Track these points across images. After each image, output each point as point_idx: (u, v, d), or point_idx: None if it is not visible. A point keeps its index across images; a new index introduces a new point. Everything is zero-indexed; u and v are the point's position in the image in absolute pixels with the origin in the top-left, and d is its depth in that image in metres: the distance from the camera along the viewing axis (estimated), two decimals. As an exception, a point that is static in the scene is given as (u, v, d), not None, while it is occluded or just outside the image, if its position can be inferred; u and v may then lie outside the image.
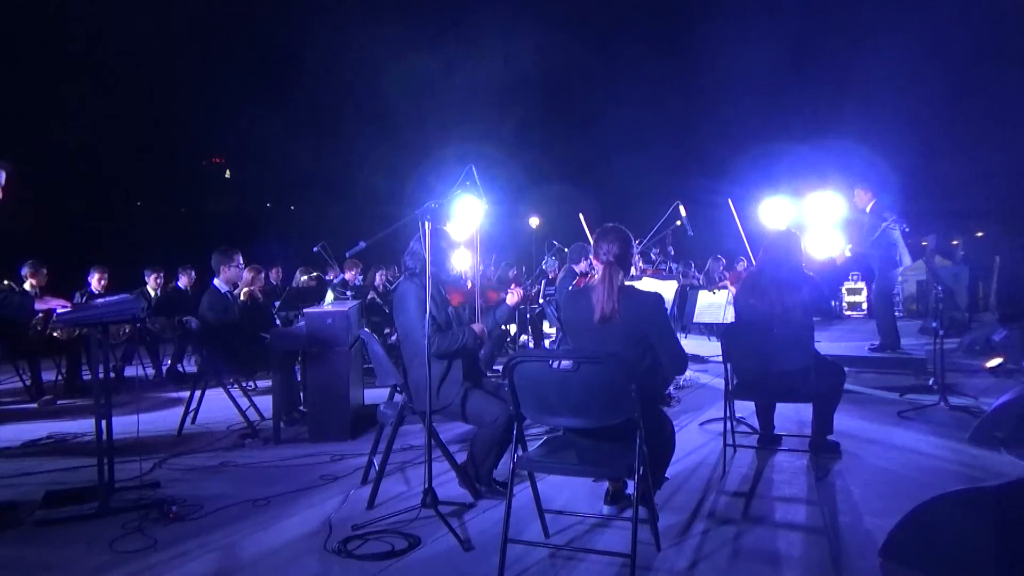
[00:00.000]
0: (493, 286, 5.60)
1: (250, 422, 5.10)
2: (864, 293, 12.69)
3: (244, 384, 5.94)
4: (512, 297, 3.91)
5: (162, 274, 8.40)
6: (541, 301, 8.53)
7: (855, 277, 12.77)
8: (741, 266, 12.29)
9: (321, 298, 6.97)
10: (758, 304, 4.00)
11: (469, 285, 4.06)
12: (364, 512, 3.40)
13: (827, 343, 7.77)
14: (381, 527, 3.17)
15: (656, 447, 3.09)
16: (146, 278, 8.28)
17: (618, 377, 2.56)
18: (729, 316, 5.89)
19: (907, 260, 7.17)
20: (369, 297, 8.15)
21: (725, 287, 6.29)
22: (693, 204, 6.66)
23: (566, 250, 7.95)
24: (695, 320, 6.72)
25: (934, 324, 5.87)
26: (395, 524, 3.21)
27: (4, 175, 3.49)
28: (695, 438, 4.62)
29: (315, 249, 9.06)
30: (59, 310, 3.41)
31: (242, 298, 5.95)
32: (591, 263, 6.11)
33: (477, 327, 3.64)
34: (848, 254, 6.99)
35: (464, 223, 4.19)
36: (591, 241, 3.53)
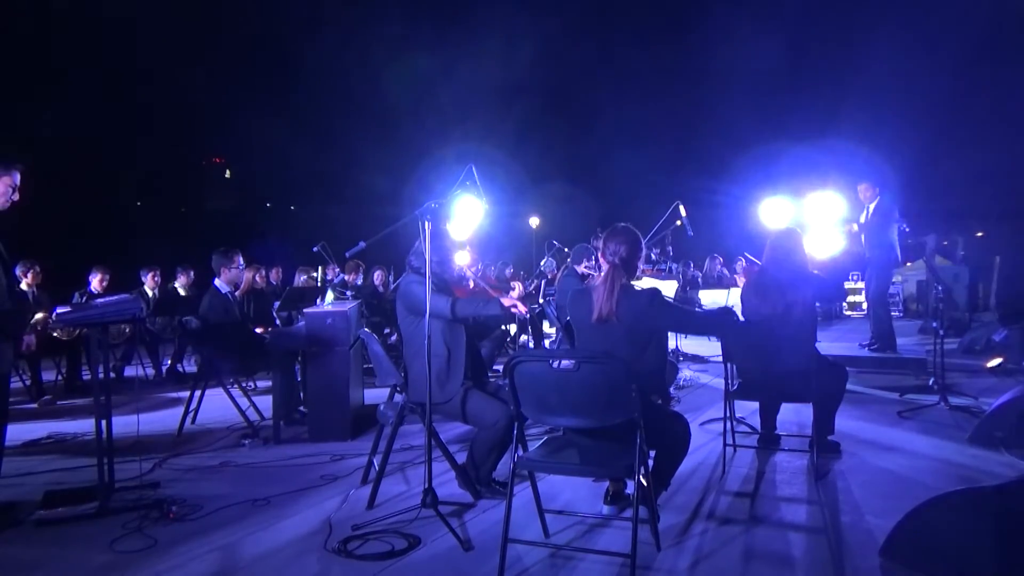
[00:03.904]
0: (495, 284, 5.61)
1: (250, 422, 5.09)
2: (864, 293, 12.70)
3: (244, 384, 5.94)
4: (514, 293, 3.89)
5: (159, 273, 8.39)
6: (541, 301, 8.52)
7: (855, 277, 12.77)
8: (740, 265, 12.30)
9: (321, 297, 6.98)
10: (760, 305, 4.00)
11: (472, 285, 4.07)
12: (364, 512, 3.40)
13: (827, 343, 7.77)
14: (381, 527, 3.17)
15: (663, 448, 3.10)
16: (143, 278, 8.27)
17: (618, 377, 2.56)
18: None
19: (899, 261, 7.19)
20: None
21: (735, 284, 6.28)
22: (693, 204, 6.66)
23: (566, 250, 7.95)
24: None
25: (934, 324, 5.88)
26: (395, 524, 3.21)
27: (19, 176, 3.48)
28: (695, 438, 4.59)
29: (315, 249, 9.06)
30: (58, 310, 3.41)
31: (238, 294, 5.93)
32: (595, 264, 6.11)
33: (507, 300, 3.54)
34: (856, 228, 6.96)
35: (464, 223, 4.19)
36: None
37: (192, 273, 8.36)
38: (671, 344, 7.42)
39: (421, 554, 2.92)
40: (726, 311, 3.30)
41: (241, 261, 5.68)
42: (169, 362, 7.77)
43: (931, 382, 5.80)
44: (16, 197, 3.48)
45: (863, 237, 7.04)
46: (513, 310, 3.54)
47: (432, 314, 3.31)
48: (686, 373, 6.93)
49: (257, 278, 7.25)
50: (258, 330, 5.87)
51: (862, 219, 7.07)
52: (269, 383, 5.86)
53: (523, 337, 9.31)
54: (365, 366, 5.73)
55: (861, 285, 12.70)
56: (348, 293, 7.19)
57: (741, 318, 4.12)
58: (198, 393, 5.30)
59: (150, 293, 8.21)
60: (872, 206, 7.02)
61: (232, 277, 5.60)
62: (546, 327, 9.75)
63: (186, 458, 4.47)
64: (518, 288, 3.89)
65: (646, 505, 2.87)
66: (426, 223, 3.33)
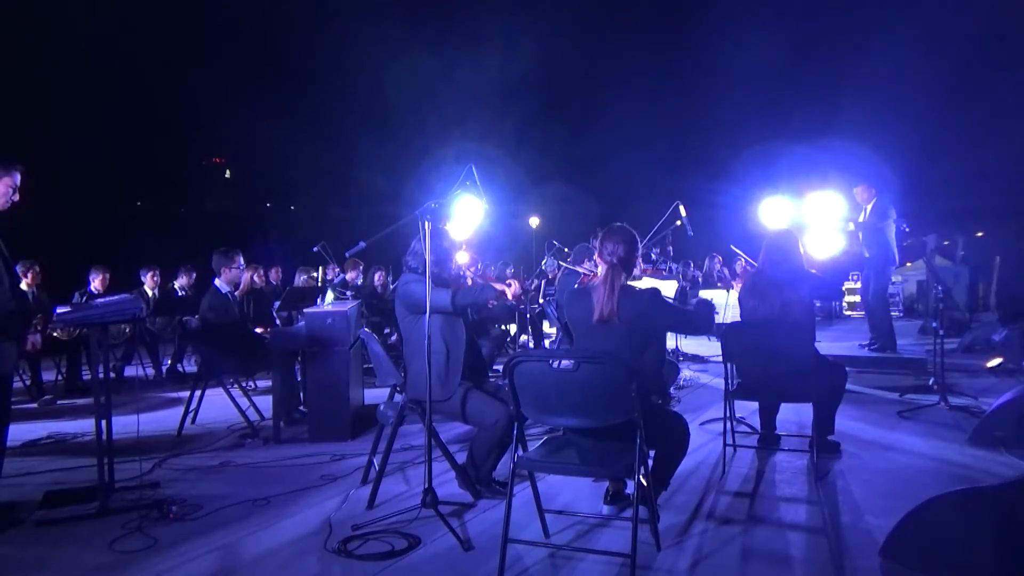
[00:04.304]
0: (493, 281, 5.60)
1: (250, 422, 5.09)
2: (861, 294, 12.68)
3: (244, 384, 5.93)
4: (509, 291, 3.90)
5: (158, 273, 8.39)
6: (541, 301, 8.53)
7: (855, 277, 12.76)
8: (740, 265, 12.29)
9: (321, 297, 6.98)
10: (758, 305, 4.00)
11: (469, 282, 4.07)
12: (364, 512, 3.40)
13: (827, 343, 7.77)
14: (381, 527, 3.17)
15: (663, 448, 3.10)
16: (142, 278, 8.27)
17: (618, 377, 2.56)
18: (731, 316, 5.90)
19: (896, 260, 7.21)
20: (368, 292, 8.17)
21: (732, 286, 6.29)
22: (693, 204, 6.66)
23: (566, 250, 7.95)
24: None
25: (934, 324, 5.88)
26: (395, 524, 3.21)
27: (19, 176, 3.48)
28: (695, 438, 4.58)
29: (315, 249, 9.06)
30: (59, 310, 3.42)
31: (237, 294, 5.93)
32: (595, 264, 6.11)
33: (499, 285, 3.61)
34: (852, 227, 6.98)
35: (464, 223, 4.19)
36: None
37: (194, 274, 8.36)
38: (671, 344, 7.42)
39: (421, 554, 2.92)
40: (707, 304, 3.33)
41: (242, 261, 5.67)
42: (169, 362, 7.77)
43: (931, 382, 5.81)
44: (16, 198, 3.48)
45: (860, 235, 7.05)
46: (506, 295, 3.59)
47: (435, 308, 3.32)
48: (686, 373, 6.94)
49: (256, 278, 7.27)
50: (258, 330, 5.87)
51: (860, 218, 7.08)
52: (269, 383, 5.86)
53: (523, 337, 9.32)
54: (365, 366, 5.73)
55: (859, 285, 12.72)
56: (348, 293, 7.19)
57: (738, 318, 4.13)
58: (198, 393, 5.30)
59: (150, 293, 8.22)
60: (869, 207, 7.05)
61: (232, 277, 5.59)
62: (546, 327, 9.76)
63: (186, 458, 4.47)
64: (515, 285, 3.91)
65: (646, 505, 2.87)
66: (426, 223, 3.33)
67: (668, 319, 3.10)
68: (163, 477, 4.03)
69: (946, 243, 13.96)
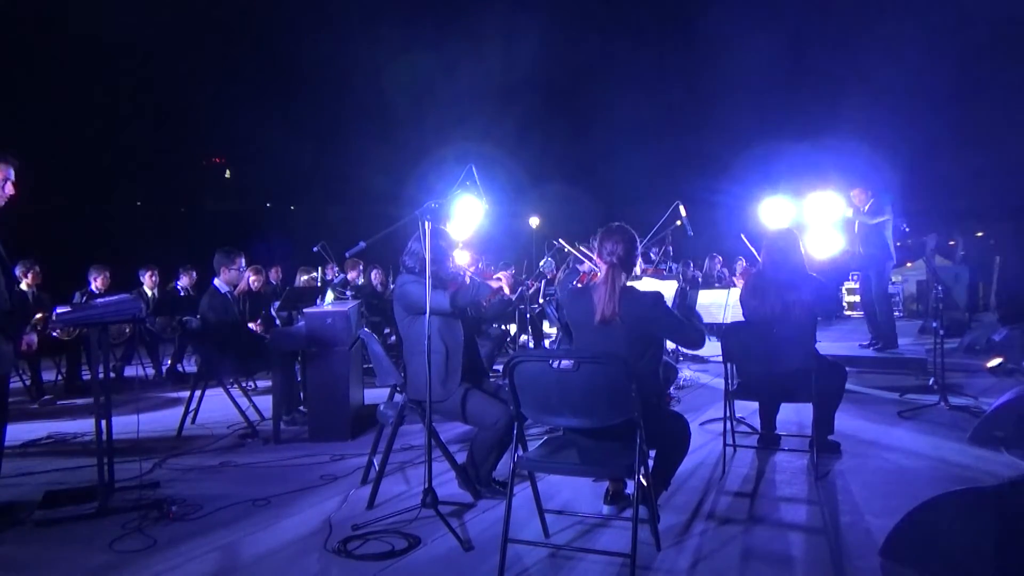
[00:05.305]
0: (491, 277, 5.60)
1: (250, 422, 5.09)
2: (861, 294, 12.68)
3: (244, 384, 5.93)
4: (503, 283, 3.90)
5: (157, 273, 8.40)
6: (541, 301, 8.52)
7: (855, 277, 12.76)
8: (740, 265, 12.30)
9: (321, 297, 6.98)
10: (759, 306, 4.01)
11: (468, 282, 4.07)
12: (364, 512, 3.41)
13: (827, 343, 7.77)
14: (381, 527, 3.17)
15: (663, 448, 3.10)
16: (141, 278, 8.28)
17: (618, 377, 2.56)
18: (731, 316, 5.89)
19: (894, 258, 7.21)
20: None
21: (733, 284, 6.28)
22: (693, 204, 6.66)
23: (567, 249, 7.95)
24: (695, 320, 6.68)
25: (934, 324, 5.88)
26: (395, 524, 3.21)
27: (12, 170, 3.47)
28: (695, 438, 4.57)
29: (315, 249, 9.06)
30: (58, 310, 3.42)
31: (236, 292, 5.93)
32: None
33: (492, 282, 3.64)
34: (851, 214, 6.98)
35: (464, 223, 4.19)
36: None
37: (194, 274, 8.37)
38: (671, 345, 7.43)
39: (421, 554, 2.92)
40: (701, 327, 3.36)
41: (243, 263, 5.67)
42: (169, 362, 7.78)
43: (931, 382, 5.80)
44: (12, 191, 3.45)
45: (856, 226, 7.06)
46: (502, 289, 3.61)
47: (434, 311, 3.32)
48: (686, 373, 6.94)
49: (252, 283, 7.26)
50: (251, 325, 5.86)
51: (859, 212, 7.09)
52: (269, 383, 5.86)
53: (523, 337, 9.31)
54: (365, 366, 5.73)
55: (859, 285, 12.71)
56: (348, 293, 7.19)
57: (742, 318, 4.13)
58: (198, 393, 5.30)
59: (149, 293, 8.22)
60: (866, 208, 7.06)
61: (231, 278, 5.59)
62: (546, 327, 9.75)
63: (186, 458, 4.47)
64: (506, 277, 3.92)
65: (646, 505, 2.87)
66: (426, 223, 3.33)
67: (666, 325, 3.07)
68: (163, 477, 4.03)
69: (951, 243, 13.97)
